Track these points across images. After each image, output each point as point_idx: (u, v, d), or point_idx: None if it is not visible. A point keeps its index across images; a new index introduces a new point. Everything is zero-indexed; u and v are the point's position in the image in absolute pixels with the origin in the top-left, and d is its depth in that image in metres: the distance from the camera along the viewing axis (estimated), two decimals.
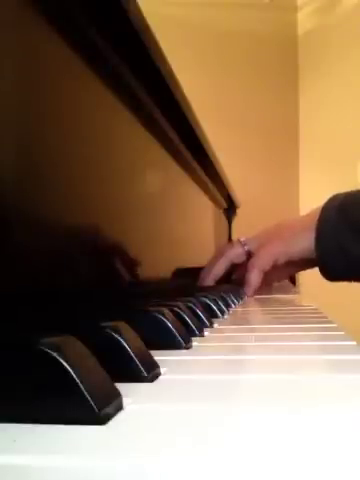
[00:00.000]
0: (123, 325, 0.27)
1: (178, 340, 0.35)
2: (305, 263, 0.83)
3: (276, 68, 2.20)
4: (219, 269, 0.87)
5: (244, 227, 1.41)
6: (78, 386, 0.18)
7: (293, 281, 1.13)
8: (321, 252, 0.74)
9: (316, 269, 0.79)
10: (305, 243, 0.76)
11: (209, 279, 0.86)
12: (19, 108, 0.29)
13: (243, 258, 0.86)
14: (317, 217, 0.74)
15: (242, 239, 0.87)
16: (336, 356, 0.31)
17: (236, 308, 0.70)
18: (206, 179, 0.97)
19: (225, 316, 0.58)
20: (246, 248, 0.86)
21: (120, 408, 0.20)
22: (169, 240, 0.64)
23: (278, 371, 0.27)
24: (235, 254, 0.86)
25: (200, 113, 0.72)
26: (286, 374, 0.26)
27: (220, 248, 0.94)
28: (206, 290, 0.78)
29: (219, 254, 0.90)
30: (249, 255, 0.86)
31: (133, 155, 0.51)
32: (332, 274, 0.76)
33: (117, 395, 0.20)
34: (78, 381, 0.18)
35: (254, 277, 0.81)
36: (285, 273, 0.95)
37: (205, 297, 0.58)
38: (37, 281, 0.30)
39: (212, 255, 0.98)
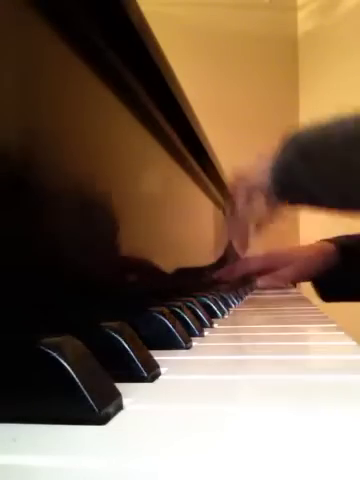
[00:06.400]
0: (123, 325, 0.27)
1: (178, 340, 0.35)
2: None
3: (276, 68, 2.20)
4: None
5: None
6: (78, 386, 0.18)
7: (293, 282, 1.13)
8: (274, 171, 0.75)
9: None
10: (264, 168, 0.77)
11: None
12: (19, 108, 0.29)
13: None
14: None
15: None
16: (336, 356, 0.31)
17: (236, 308, 0.70)
18: (206, 179, 0.96)
19: (225, 316, 0.58)
20: None
21: (120, 408, 0.20)
22: (169, 240, 0.64)
23: (278, 371, 0.27)
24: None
25: (200, 113, 0.72)
26: (286, 374, 0.26)
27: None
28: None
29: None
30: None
31: (133, 155, 0.51)
32: (282, 190, 0.76)
33: (117, 395, 0.20)
34: (78, 381, 0.18)
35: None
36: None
37: (205, 297, 0.58)
38: (37, 281, 0.30)
39: (212, 255, 0.99)
